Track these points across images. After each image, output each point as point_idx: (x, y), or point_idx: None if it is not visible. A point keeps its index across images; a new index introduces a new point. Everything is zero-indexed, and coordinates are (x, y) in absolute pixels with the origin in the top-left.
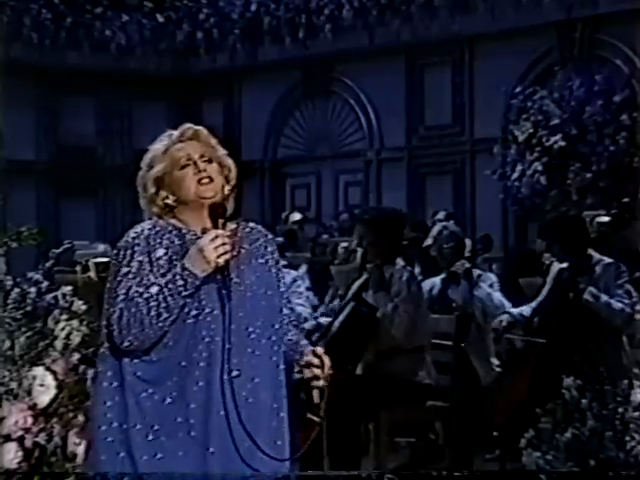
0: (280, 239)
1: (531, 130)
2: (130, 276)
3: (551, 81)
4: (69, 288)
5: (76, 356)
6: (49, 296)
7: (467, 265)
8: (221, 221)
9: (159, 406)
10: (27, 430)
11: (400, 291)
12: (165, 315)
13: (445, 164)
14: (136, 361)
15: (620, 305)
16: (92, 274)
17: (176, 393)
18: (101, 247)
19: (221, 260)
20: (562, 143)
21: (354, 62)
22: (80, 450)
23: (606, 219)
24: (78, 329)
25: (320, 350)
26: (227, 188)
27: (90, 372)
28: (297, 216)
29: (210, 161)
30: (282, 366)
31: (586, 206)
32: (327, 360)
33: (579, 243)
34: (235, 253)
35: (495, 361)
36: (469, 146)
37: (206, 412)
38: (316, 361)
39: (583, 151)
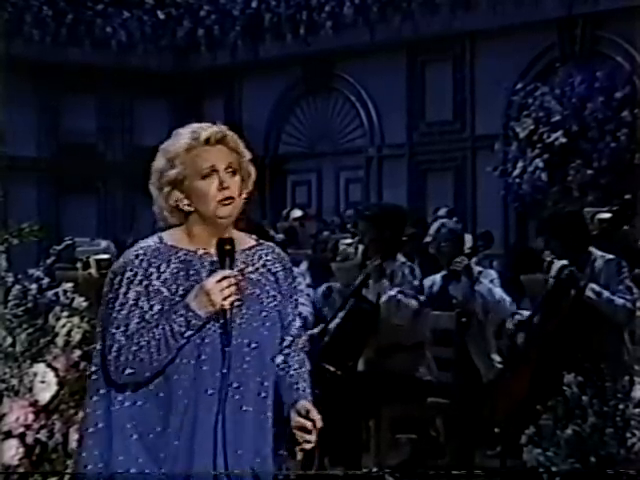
0: (281, 236)
1: (532, 127)
2: (127, 309)
3: (552, 78)
4: (70, 285)
5: (77, 353)
6: (50, 293)
7: (466, 261)
8: (228, 261)
9: (145, 438)
10: (28, 427)
11: (402, 283)
12: (165, 355)
13: (446, 161)
14: (127, 403)
15: (622, 301)
16: (93, 271)
17: (160, 428)
18: (103, 243)
19: (227, 303)
20: (563, 140)
21: (355, 59)
22: None
23: (607, 216)
24: (79, 326)
25: (314, 414)
26: (244, 196)
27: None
28: (298, 213)
29: (234, 172)
30: (268, 383)
31: (587, 203)
32: (319, 422)
33: (578, 239)
34: (241, 295)
35: (496, 357)
36: (470, 143)
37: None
38: (309, 425)
39: (584, 148)
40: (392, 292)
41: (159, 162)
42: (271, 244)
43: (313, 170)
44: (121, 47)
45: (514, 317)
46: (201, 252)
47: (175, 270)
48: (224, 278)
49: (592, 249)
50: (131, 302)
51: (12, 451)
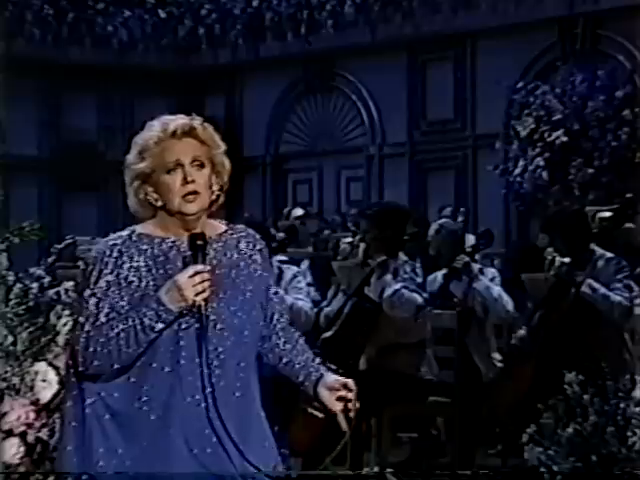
0: (282, 234)
1: (533, 125)
2: (96, 299)
3: (553, 76)
4: (71, 283)
5: None
6: (51, 291)
7: (467, 259)
8: (201, 255)
9: (124, 430)
10: (29, 425)
11: (405, 280)
12: (134, 348)
13: (447, 159)
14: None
15: (619, 298)
16: None
17: (140, 417)
18: None
19: (199, 298)
20: (564, 138)
21: (356, 58)
22: None
23: (608, 214)
24: None
25: (350, 382)
26: (215, 189)
27: None
28: (299, 212)
29: (202, 165)
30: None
31: (588, 201)
32: (355, 390)
33: (581, 237)
34: (214, 289)
35: (497, 356)
36: (471, 141)
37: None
38: (349, 395)
39: (585, 146)
40: (397, 286)
41: (130, 155)
42: (242, 226)
43: (314, 169)
44: (122, 46)
45: (518, 332)
46: (174, 240)
47: (148, 259)
48: (196, 273)
49: (594, 247)
50: (101, 292)
51: (13, 450)
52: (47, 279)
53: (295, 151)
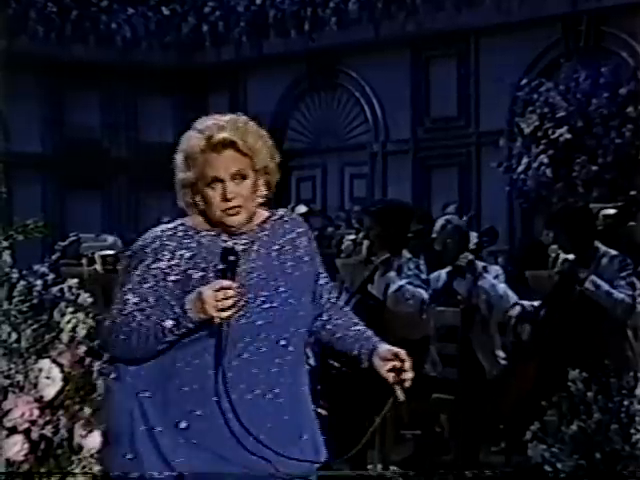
0: None
1: (537, 122)
2: (129, 289)
3: (557, 73)
4: (75, 281)
5: (82, 348)
6: (55, 289)
7: (471, 257)
8: (230, 272)
9: (160, 409)
10: (33, 422)
11: (409, 277)
12: (153, 345)
13: (451, 157)
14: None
15: (621, 295)
16: (98, 267)
17: (177, 400)
18: (110, 239)
19: (219, 315)
20: (568, 135)
21: (359, 55)
22: (86, 442)
23: (612, 212)
24: (84, 321)
25: (402, 352)
26: (262, 193)
27: (96, 364)
28: (303, 209)
29: (244, 177)
30: (305, 367)
31: (592, 199)
32: (409, 360)
33: (586, 233)
34: (239, 306)
35: (500, 353)
36: (475, 139)
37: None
38: (407, 365)
39: (589, 143)
40: (401, 282)
41: (178, 158)
42: (284, 211)
43: (318, 166)
44: (125, 43)
45: (515, 307)
46: (217, 235)
47: (189, 252)
48: (221, 289)
49: (598, 244)
50: (135, 282)
51: (17, 447)
52: (51, 276)
53: (299, 148)
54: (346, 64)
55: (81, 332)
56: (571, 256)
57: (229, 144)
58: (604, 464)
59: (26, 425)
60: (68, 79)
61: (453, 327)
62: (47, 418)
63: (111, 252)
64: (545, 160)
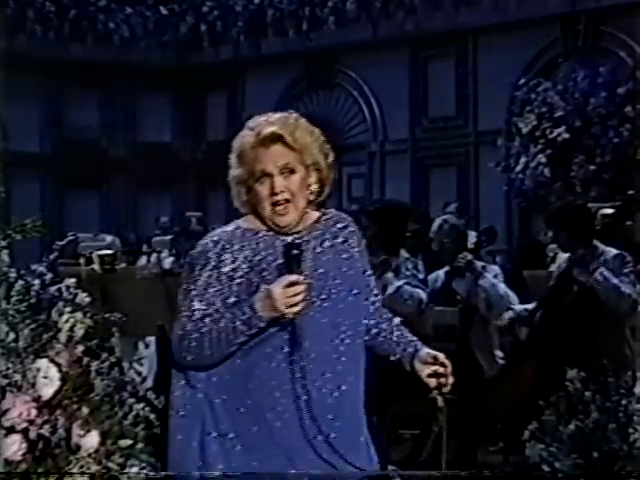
0: None
1: (535, 122)
2: (195, 295)
3: (555, 73)
4: (73, 280)
5: (80, 348)
6: (53, 288)
7: (469, 257)
8: (296, 265)
9: (233, 414)
10: (31, 422)
11: (407, 277)
12: (225, 348)
13: (449, 156)
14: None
15: (629, 290)
16: (96, 266)
17: (250, 402)
18: (108, 239)
19: (291, 311)
20: (566, 135)
21: (358, 54)
22: (84, 442)
23: (610, 211)
24: (82, 321)
25: (442, 356)
26: (314, 187)
27: (94, 364)
28: None
29: (293, 171)
30: (363, 363)
31: (590, 198)
32: (448, 364)
33: (586, 232)
34: (308, 301)
35: (499, 353)
36: (473, 138)
37: (285, 427)
38: (442, 370)
39: (587, 143)
40: (399, 282)
41: (232, 157)
42: (333, 211)
43: None
44: (124, 43)
45: (508, 312)
46: (275, 235)
47: (250, 255)
48: (291, 285)
49: (598, 243)
50: (200, 288)
51: (15, 446)
52: (49, 276)
53: None
54: (344, 64)
55: (79, 332)
56: (570, 255)
57: (277, 138)
58: (602, 463)
59: (24, 425)
60: (66, 78)
61: (452, 326)
62: (45, 418)
63: (109, 252)
64: (543, 160)
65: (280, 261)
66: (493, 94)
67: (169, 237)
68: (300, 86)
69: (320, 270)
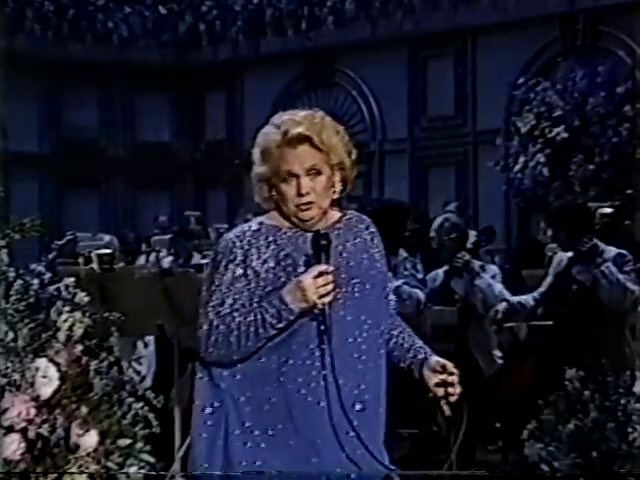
0: None
1: (534, 122)
2: (222, 290)
3: (554, 72)
4: (72, 280)
5: (79, 348)
6: (52, 288)
7: (468, 257)
8: (324, 256)
9: (257, 411)
10: (30, 421)
11: (406, 277)
12: (253, 342)
13: (448, 156)
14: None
15: (633, 286)
16: (95, 266)
17: (275, 399)
18: (106, 238)
19: (321, 301)
20: (565, 134)
21: (356, 54)
22: (83, 441)
23: (609, 210)
24: (81, 320)
25: (450, 365)
26: (338, 187)
27: (93, 364)
28: None
29: (319, 172)
30: (384, 364)
31: (589, 197)
32: (457, 373)
33: (585, 231)
34: (337, 291)
35: (497, 353)
36: (472, 138)
37: (310, 421)
38: (451, 379)
39: (586, 142)
40: (397, 282)
41: (255, 153)
42: (354, 212)
43: None
44: (123, 42)
45: (502, 303)
46: (300, 231)
47: (276, 250)
48: (320, 275)
49: (598, 242)
50: (227, 283)
51: (14, 446)
52: (48, 275)
53: None
54: (343, 63)
55: (78, 331)
56: (570, 254)
57: (304, 139)
58: (601, 463)
59: (23, 424)
60: (65, 78)
61: (450, 326)
62: (44, 417)
63: (108, 251)
64: (542, 159)
65: (304, 258)
66: (492, 93)
67: (168, 236)
68: (299, 85)
69: (343, 268)
